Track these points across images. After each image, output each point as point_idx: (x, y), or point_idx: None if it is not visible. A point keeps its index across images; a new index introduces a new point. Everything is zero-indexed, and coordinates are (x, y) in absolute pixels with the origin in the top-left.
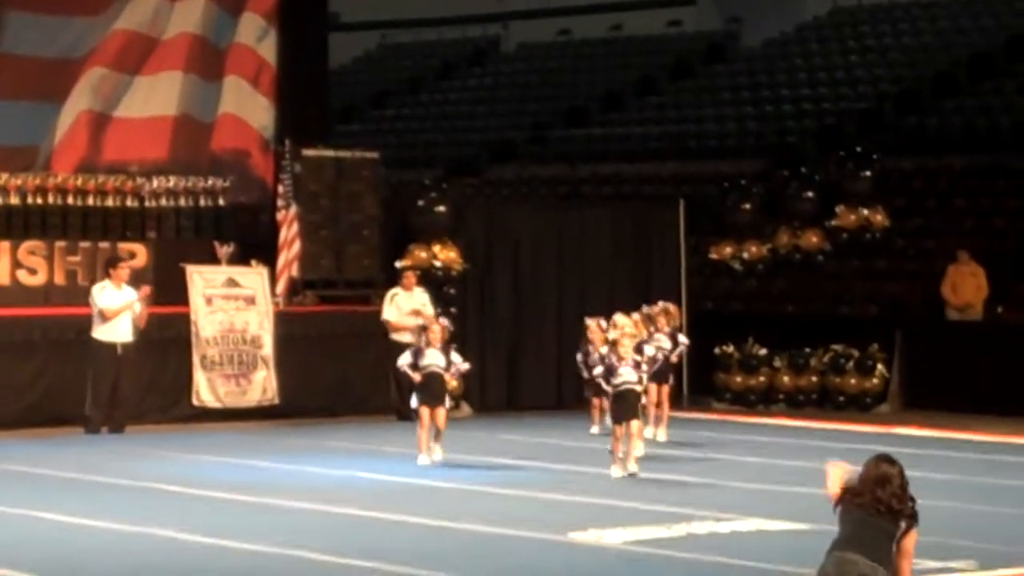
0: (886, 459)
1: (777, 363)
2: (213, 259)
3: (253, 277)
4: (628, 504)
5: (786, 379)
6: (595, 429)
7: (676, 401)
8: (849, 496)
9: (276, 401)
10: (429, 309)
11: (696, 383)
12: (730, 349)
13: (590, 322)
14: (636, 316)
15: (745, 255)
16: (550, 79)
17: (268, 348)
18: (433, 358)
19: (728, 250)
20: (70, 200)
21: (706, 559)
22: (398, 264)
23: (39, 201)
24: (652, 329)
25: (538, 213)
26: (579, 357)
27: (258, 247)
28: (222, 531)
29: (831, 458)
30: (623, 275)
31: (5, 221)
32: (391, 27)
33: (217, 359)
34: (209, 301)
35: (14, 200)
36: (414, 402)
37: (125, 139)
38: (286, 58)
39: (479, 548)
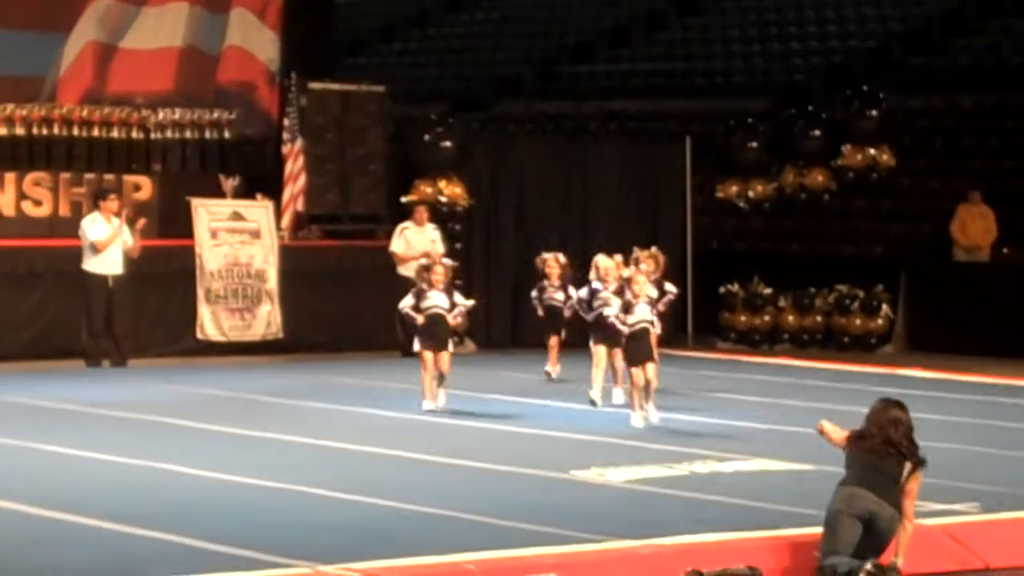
0: (895, 403)
1: (782, 303)
2: (218, 192)
3: (258, 211)
4: (631, 443)
5: (791, 319)
6: (550, 369)
7: (680, 340)
8: (856, 439)
9: (280, 336)
10: (439, 246)
11: (701, 322)
12: (735, 288)
13: (547, 256)
14: (618, 257)
15: (751, 194)
16: (558, 14)
17: (273, 282)
18: (436, 299)
19: (734, 189)
20: (75, 131)
21: (708, 498)
22: (403, 199)
23: (44, 132)
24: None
25: (544, 149)
26: (533, 294)
27: (263, 181)
28: (224, 465)
29: (832, 402)
30: (628, 213)
31: (10, 152)
32: None
33: (221, 293)
34: (214, 234)
35: (19, 131)
36: (417, 345)
37: (131, 70)
38: None
39: (480, 485)
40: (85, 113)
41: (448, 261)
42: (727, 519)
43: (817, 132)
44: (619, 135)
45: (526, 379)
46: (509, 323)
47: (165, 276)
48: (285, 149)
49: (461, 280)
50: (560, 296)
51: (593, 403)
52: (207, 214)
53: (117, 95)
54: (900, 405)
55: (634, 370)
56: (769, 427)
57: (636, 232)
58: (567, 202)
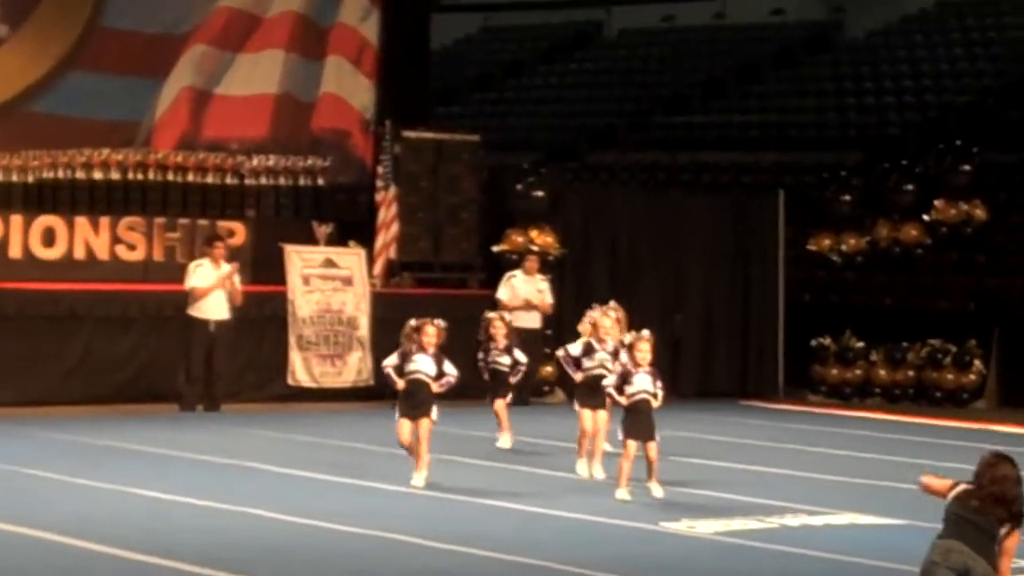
0: (1006, 458)
1: (874, 356)
2: (311, 239)
3: (351, 258)
4: (721, 495)
5: (883, 373)
6: (504, 442)
7: (771, 392)
8: (962, 493)
9: (371, 382)
10: (548, 297)
11: (792, 375)
12: (827, 341)
13: (492, 315)
14: (615, 315)
15: (844, 247)
16: (652, 65)
17: (364, 329)
18: (422, 364)
19: (826, 242)
20: (170, 177)
21: (799, 552)
22: (495, 248)
23: (139, 177)
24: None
25: (636, 200)
26: (479, 355)
27: (356, 228)
28: (317, 512)
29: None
30: (720, 265)
31: (105, 196)
32: (494, 9)
33: (313, 339)
34: (306, 281)
35: (115, 175)
36: (396, 413)
37: (226, 117)
38: (388, 38)
39: (572, 536)
40: (180, 159)
41: (440, 322)
42: (818, 573)
43: (910, 186)
44: (712, 187)
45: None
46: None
47: (257, 322)
48: (378, 197)
49: (551, 331)
50: (506, 360)
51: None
52: (300, 260)
53: (212, 141)
54: (1011, 461)
55: (631, 442)
56: (860, 481)
57: (728, 284)
58: (658, 253)
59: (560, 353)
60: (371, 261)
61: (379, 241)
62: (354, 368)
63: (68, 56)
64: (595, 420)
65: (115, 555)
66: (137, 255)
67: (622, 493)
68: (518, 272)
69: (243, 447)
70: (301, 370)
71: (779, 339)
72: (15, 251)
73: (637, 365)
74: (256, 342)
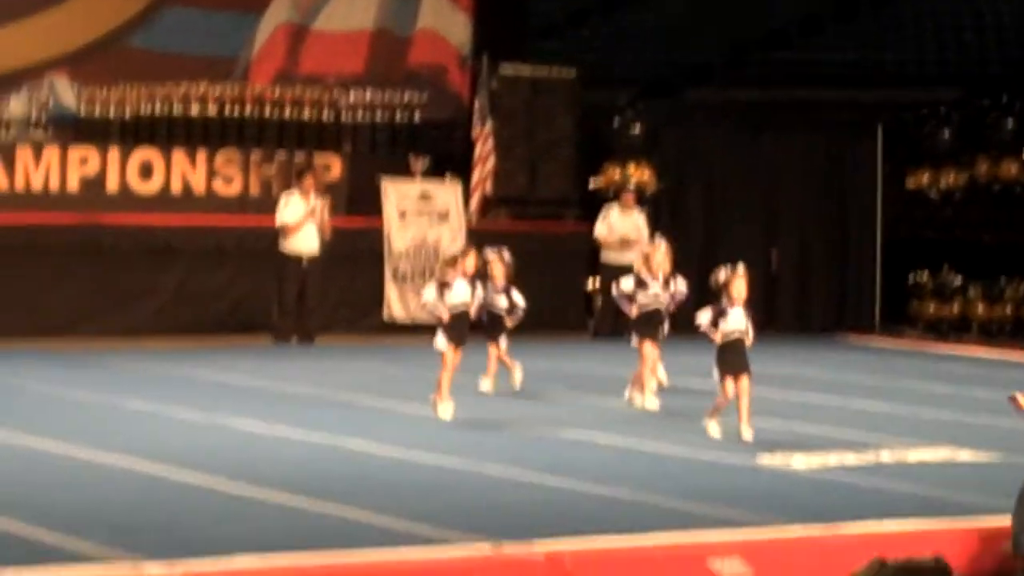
0: None
1: (971, 292)
2: (407, 173)
3: (447, 192)
4: (817, 430)
5: (980, 308)
6: (487, 385)
7: (867, 328)
8: None
9: None
10: (644, 232)
11: (889, 311)
12: (924, 277)
13: (491, 256)
14: (664, 245)
15: (942, 184)
16: (750, 1)
17: None
18: (460, 293)
19: (925, 178)
20: (267, 111)
21: (894, 488)
22: (591, 183)
23: (236, 111)
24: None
25: (733, 137)
26: (479, 293)
27: (452, 163)
28: (405, 443)
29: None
30: (817, 202)
31: (202, 131)
32: None
33: (409, 273)
34: (402, 215)
35: (211, 110)
36: (440, 343)
37: (323, 52)
38: None
39: (665, 469)
40: (277, 93)
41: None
42: (913, 508)
43: (1010, 122)
44: (809, 124)
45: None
46: (693, 308)
47: (353, 256)
48: (474, 132)
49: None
50: (503, 302)
51: (643, 408)
52: (396, 194)
53: (309, 76)
54: None
55: (728, 380)
56: (956, 418)
57: (825, 221)
58: (755, 190)
59: (614, 291)
60: (467, 196)
61: (475, 176)
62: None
63: None
64: (652, 351)
65: (207, 487)
66: (233, 189)
67: (713, 428)
68: (615, 206)
69: (336, 380)
70: (397, 304)
71: (876, 275)
72: (112, 185)
73: (732, 302)
74: (351, 276)
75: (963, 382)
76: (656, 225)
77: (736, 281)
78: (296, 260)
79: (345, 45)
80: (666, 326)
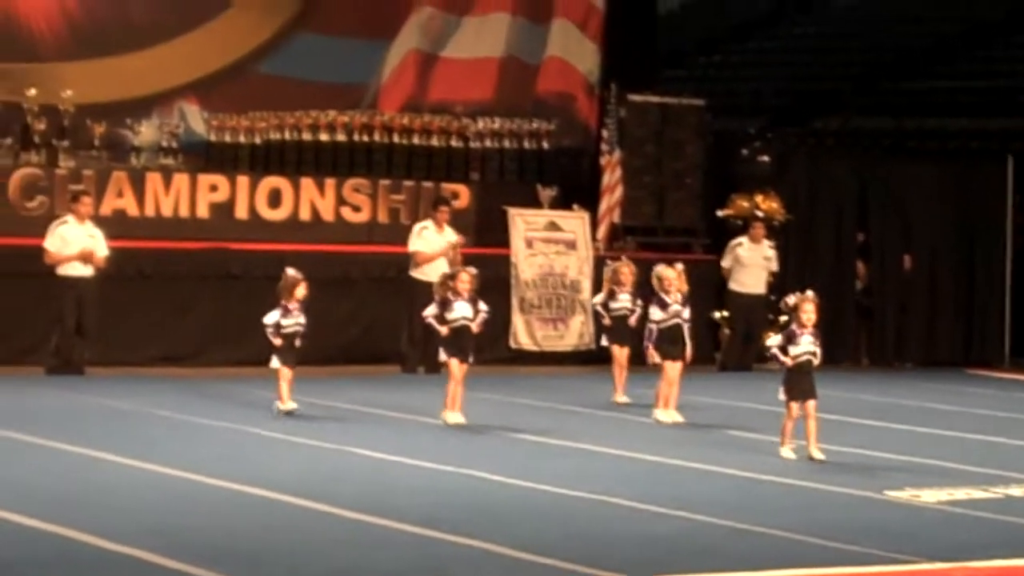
0: None
1: None
2: (535, 202)
3: (574, 221)
4: (944, 464)
5: None
6: (622, 397)
7: (996, 361)
8: None
9: (592, 347)
10: (774, 264)
11: (1018, 344)
12: None
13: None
14: (679, 267)
15: None
16: (879, 29)
17: (587, 293)
18: (461, 310)
19: None
20: (395, 139)
21: None
22: (720, 213)
23: (365, 139)
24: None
25: (862, 165)
26: (598, 298)
27: (580, 191)
28: (536, 474)
29: None
30: (946, 232)
31: (331, 158)
32: None
33: (535, 302)
34: (530, 244)
35: (340, 137)
36: (443, 355)
37: (451, 79)
38: (615, 2)
39: (792, 501)
40: (406, 121)
41: (472, 270)
42: None
43: None
44: (938, 153)
45: (839, 396)
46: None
47: (479, 284)
48: (603, 160)
49: (775, 296)
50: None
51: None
52: (523, 223)
53: (437, 103)
54: None
55: (794, 405)
56: None
57: (954, 251)
58: (884, 219)
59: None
60: (594, 225)
61: (603, 205)
62: (576, 332)
63: (296, 18)
64: (674, 369)
65: (335, 514)
66: (362, 216)
67: (786, 452)
68: (744, 240)
69: (464, 409)
70: (523, 333)
71: (1006, 307)
72: (241, 212)
73: (802, 326)
74: None
75: None
76: (785, 256)
77: (805, 305)
78: (427, 288)
79: (474, 72)
80: (689, 346)
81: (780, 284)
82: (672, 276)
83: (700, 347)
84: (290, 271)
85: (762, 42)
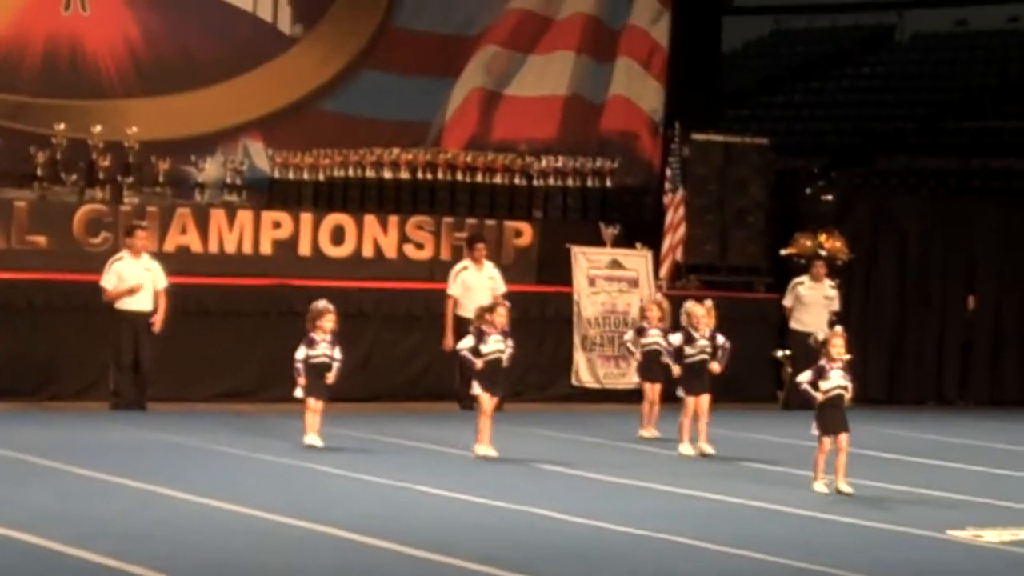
0: None
1: None
2: (598, 240)
3: (637, 260)
4: (1007, 504)
5: None
6: (648, 432)
7: None
8: None
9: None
10: (836, 304)
11: None
12: None
13: (654, 304)
14: (708, 303)
15: None
16: (944, 69)
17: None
18: (495, 344)
19: None
20: (459, 177)
21: None
22: (783, 252)
23: (428, 176)
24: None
25: (926, 205)
26: (629, 335)
27: (642, 229)
28: (595, 512)
29: None
30: (1012, 271)
31: (394, 195)
32: (784, 12)
33: (597, 340)
34: (592, 282)
35: (404, 175)
36: (477, 389)
37: (515, 117)
38: (678, 41)
39: (855, 539)
40: (469, 159)
41: (507, 303)
42: None
43: None
44: (1004, 193)
45: (902, 436)
46: (885, 379)
47: (541, 322)
48: (666, 199)
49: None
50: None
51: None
52: (586, 262)
53: (501, 141)
54: None
55: (826, 439)
56: None
57: (1018, 290)
58: (948, 260)
59: (664, 345)
60: (657, 263)
61: (666, 243)
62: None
63: (360, 56)
64: (698, 403)
65: (395, 551)
66: (424, 254)
67: (819, 486)
68: (805, 279)
69: (524, 447)
70: (585, 371)
71: None
72: (304, 249)
73: (832, 361)
74: (539, 342)
75: None
76: (848, 295)
77: (835, 340)
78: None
79: (538, 110)
80: (718, 368)
81: (843, 323)
82: (701, 313)
83: (761, 385)
84: (320, 302)
85: (825, 82)
